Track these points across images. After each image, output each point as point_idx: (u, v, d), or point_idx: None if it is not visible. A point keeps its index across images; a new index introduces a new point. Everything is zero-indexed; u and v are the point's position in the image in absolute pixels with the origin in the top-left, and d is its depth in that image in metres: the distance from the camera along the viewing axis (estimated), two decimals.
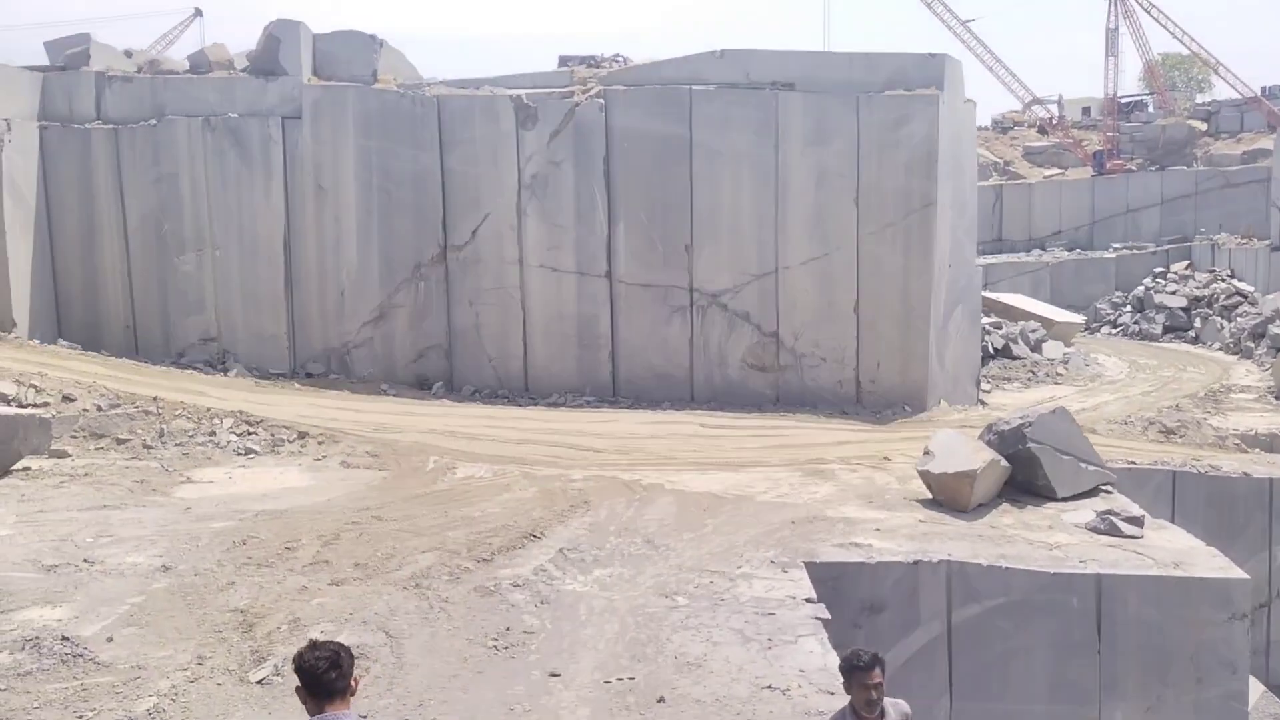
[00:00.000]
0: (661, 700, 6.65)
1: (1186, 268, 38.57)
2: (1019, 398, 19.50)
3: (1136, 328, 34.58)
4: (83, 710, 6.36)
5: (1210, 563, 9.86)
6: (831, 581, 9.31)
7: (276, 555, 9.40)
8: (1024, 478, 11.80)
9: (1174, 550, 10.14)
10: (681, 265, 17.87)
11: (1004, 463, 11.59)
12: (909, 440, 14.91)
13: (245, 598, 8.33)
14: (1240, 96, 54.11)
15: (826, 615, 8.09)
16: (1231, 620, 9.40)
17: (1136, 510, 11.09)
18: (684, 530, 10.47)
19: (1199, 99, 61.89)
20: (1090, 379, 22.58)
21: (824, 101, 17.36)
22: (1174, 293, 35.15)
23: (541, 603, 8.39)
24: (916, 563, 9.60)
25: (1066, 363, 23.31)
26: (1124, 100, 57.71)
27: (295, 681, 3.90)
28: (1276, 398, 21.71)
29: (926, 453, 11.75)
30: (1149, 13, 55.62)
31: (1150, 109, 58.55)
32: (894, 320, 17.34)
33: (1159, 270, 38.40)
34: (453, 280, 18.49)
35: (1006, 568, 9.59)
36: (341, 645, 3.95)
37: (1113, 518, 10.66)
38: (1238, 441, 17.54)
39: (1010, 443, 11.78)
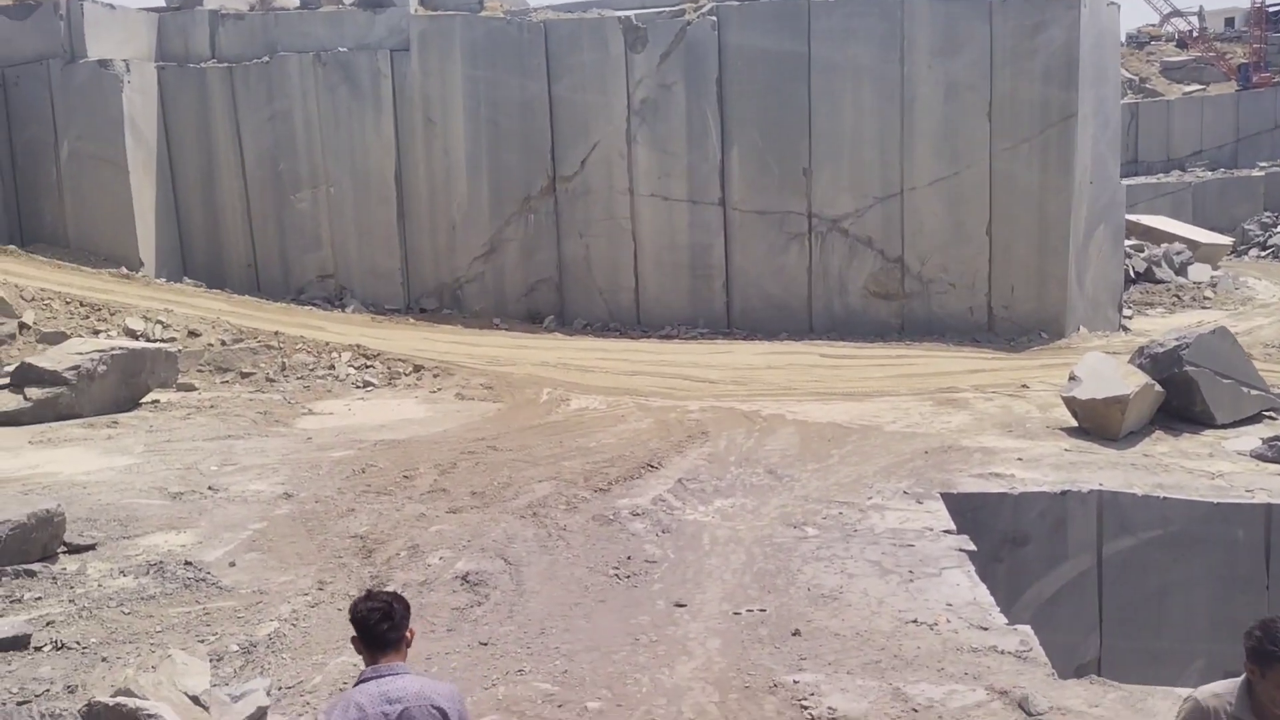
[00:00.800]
0: (797, 633, 6.22)
1: None
2: (1164, 323, 18.23)
3: None
4: (205, 634, 6.29)
5: None
6: (970, 513, 8.78)
7: (395, 483, 9.30)
8: (1179, 403, 10.98)
9: None
10: (799, 189, 17.12)
11: (1158, 387, 10.77)
12: (1047, 367, 14.08)
13: (365, 524, 8.23)
14: None
15: (971, 547, 7.54)
16: None
17: None
18: (808, 461, 10.01)
19: None
20: (1241, 303, 21.01)
21: (953, 9, 16.24)
22: None
23: (662, 532, 8.05)
24: (1064, 493, 8.99)
25: (1214, 286, 21.73)
26: (1272, 9, 53.55)
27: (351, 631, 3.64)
28: None
29: (1072, 378, 10.98)
30: None
31: None
32: (1030, 242, 16.30)
33: None
34: (562, 212, 18.13)
35: (1164, 498, 8.97)
36: (396, 595, 3.65)
37: None
38: None
39: (1164, 366, 10.93)
